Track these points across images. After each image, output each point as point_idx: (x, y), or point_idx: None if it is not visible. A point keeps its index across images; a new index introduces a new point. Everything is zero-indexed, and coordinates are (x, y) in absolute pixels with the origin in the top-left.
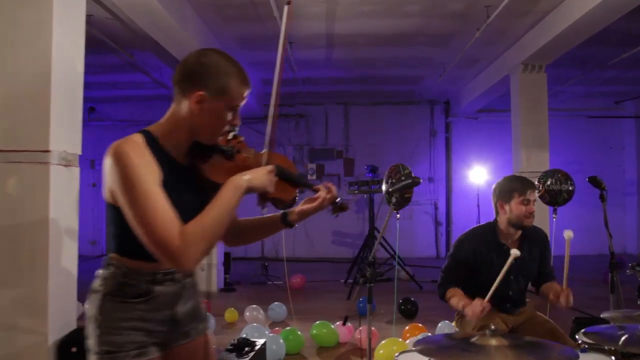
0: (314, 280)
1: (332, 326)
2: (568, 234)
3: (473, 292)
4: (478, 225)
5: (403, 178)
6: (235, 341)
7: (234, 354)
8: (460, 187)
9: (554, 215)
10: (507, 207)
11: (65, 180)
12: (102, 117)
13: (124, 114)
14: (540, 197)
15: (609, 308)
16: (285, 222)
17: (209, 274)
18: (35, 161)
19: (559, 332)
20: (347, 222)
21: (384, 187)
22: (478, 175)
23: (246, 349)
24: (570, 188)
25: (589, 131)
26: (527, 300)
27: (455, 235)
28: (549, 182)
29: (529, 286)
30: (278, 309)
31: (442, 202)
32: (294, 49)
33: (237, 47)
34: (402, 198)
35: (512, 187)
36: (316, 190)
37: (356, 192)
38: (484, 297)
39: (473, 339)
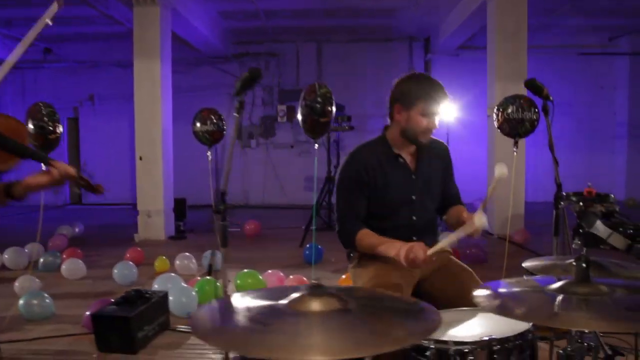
0: (271, 227)
1: (260, 276)
2: (500, 169)
3: (375, 225)
4: (367, 141)
5: (319, 99)
6: (127, 293)
7: (119, 307)
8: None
9: (514, 148)
10: (404, 115)
11: None
12: (61, 58)
13: (84, 55)
14: (499, 127)
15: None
16: (9, 193)
17: (156, 220)
18: None
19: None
20: (319, 167)
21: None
22: (447, 112)
23: (138, 302)
24: (534, 117)
25: (580, 69)
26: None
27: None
28: (509, 110)
29: None
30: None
31: None
32: None
33: None
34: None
35: (418, 93)
36: (49, 165)
37: None
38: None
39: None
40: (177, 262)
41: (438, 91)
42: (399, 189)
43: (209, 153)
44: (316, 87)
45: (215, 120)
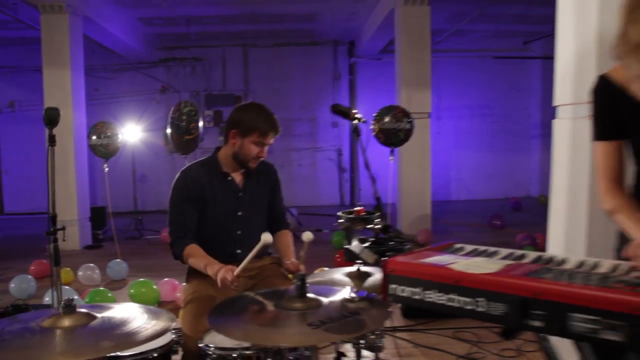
0: None
1: (154, 285)
2: (307, 236)
3: (203, 239)
4: (196, 161)
5: (184, 118)
6: (10, 307)
7: None
8: (365, 131)
9: (390, 157)
10: (239, 141)
11: None
12: None
13: (2, 60)
14: (375, 135)
15: None
16: None
17: (70, 230)
18: None
19: None
20: None
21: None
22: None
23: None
24: (408, 127)
25: (498, 73)
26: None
27: (362, 182)
28: (385, 120)
29: None
30: (117, 266)
31: (346, 148)
32: None
33: None
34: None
35: (256, 124)
36: None
37: None
38: (217, 247)
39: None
40: (80, 273)
41: (273, 125)
42: (226, 204)
43: (105, 165)
44: (181, 106)
45: (109, 134)
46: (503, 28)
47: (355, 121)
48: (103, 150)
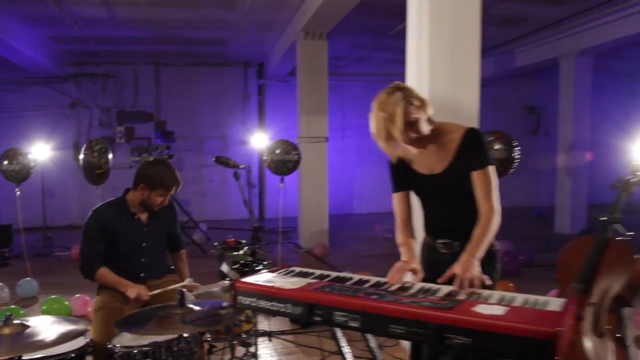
0: None
1: (66, 301)
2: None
3: (114, 264)
4: (110, 200)
5: (95, 154)
6: None
7: None
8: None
9: (281, 184)
10: (146, 193)
11: None
12: None
13: None
14: (267, 166)
15: None
16: None
17: None
18: None
19: None
20: None
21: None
22: (260, 140)
23: None
24: (295, 158)
25: None
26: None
27: (269, 197)
28: (277, 152)
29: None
30: (27, 284)
31: (255, 165)
32: (66, 4)
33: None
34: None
35: (161, 182)
36: None
37: (137, 158)
38: (125, 272)
39: None
40: None
41: (175, 181)
42: (133, 238)
43: (17, 189)
44: (92, 143)
45: (20, 160)
46: (401, 57)
47: (235, 168)
48: (15, 175)
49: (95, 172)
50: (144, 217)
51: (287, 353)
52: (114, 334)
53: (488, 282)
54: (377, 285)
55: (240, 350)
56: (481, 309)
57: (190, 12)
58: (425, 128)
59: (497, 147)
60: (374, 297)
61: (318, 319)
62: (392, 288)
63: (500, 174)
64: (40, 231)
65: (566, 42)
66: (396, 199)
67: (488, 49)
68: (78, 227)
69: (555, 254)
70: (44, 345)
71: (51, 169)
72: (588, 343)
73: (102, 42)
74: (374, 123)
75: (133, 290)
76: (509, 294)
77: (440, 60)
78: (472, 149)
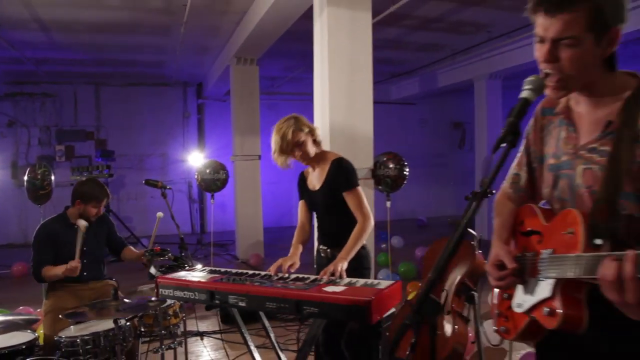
0: None
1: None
2: (159, 214)
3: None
4: (52, 216)
5: (39, 177)
6: None
7: None
8: None
9: (211, 200)
10: (82, 206)
11: None
12: None
13: None
14: (198, 184)
15: None
16: None
17: None
18: None
19: None
20: None
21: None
22: (195, 159)
23: None
24: (223, 177)
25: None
26: (107, 277)
27: (209, 212)
28: (207, 172)
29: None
30: None
31: (194, 181)
32: (3, 29)
33: None
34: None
35: (93, 195)
36: None
37: (78, 177)
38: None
39: None
40: None
41: (104, 194)
42: (72, 244)
43: None
44: (35, 167)
45: None
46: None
47: (162, 189)
48: None
49: (39, 193)
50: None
51: (216, 349)
52: (60, 329)
53: (344, 276)
54: (263, 277)
55: (167, 341)
56: (328, 289)
57: (128, 38)
58: (312, 150)
59: (390, 165)
60: (256, 283)
61: (217, 302)
62: (274, 278)
63: (393, 189)
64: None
65: (478, 66)
66: (299, 206)
67: (412, 70)
68: (18, 245)
69: None
70: None
71: None
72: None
73: (40, 63)
74: (272, 141)
75: (68, 266)
76: (356, 280)
77: (338, 93)
78: (338, 174)
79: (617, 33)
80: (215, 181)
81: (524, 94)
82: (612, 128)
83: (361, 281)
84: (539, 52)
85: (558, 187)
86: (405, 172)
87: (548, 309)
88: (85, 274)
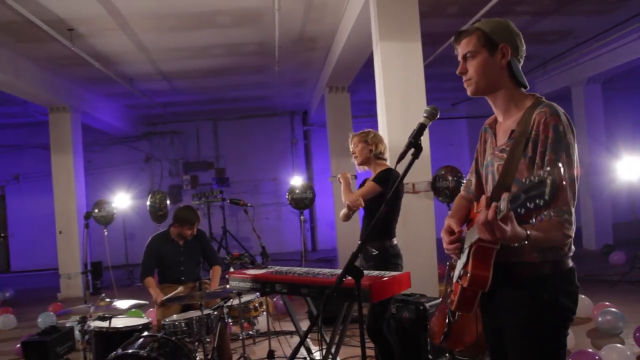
0: None
1: (143, 314)
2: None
3: (163, 271)
4: (158, 232)
5: (157, 202)
6: (45, 329)
7: (39, 336)
8: (320, 187)
9: (301, 216)
10: (179, 229)
11: None
12: None
13: (8, 140)
14: (289, 202)
15: None
16: None
17: (74, 281)
18: None
19: None
20: (216, 225)
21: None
22: (295, 181)
23: (53, 333)
24: (310, 196)
25: (433, 131)
26: (203, 280)
27: (320, 230)
28: (296, 192)
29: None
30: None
31: None
32: (136, 82)
33: (90, 85)
34: (157, 215)
35: (188, 219)
36: None
37: (198, 202)
38: (171, 277)
39: None
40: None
41: (196, 219)
42: (173, 255)
43: (105, 230)
44: (155, 194)
45: (106, 207)
46: (433, 96)
47: (244, 206)
48: (103, 220)
49: (158, 214)
50: (181, 242)
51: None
52: (166, 317)
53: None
54: (301, 272)
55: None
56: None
57: (233, 78)
58: (362, 156)
59: (448, 178)
60: (295, 275)
61: (267, 289)
62: (307, 273)
63: (452, 199)
64: (124, 267)
65: (573, 72)
66: None
67: None
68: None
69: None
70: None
71: (131, 215)
72: None
73: (167, 106)
74: None
75: (154, 294)
76: (370, 271)
77: (394, 116)
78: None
79: (506, 48)
80: (303, 200)
81: (422, 120)
82: (514, 135)
83: (375, 272)
84: (458, 68)
85: (488, 181)
86: (462, 183)
87: (464, 271)
88: (183, 278)
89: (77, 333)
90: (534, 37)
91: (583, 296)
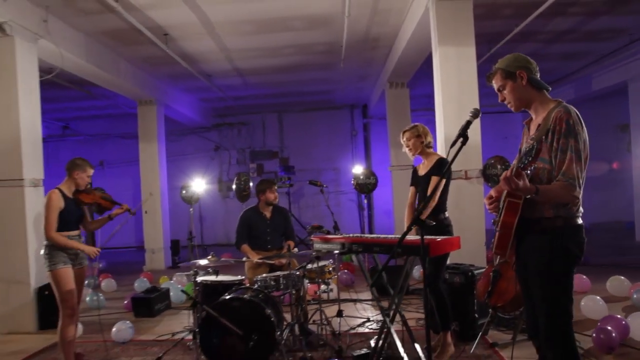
0: None
1: None
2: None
3: (253, 239)
4: (250, 207)
5: (242, 183)
6: (147, 289)
7: (145, 294)
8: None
9: (365, 199)
10: (264, 196)
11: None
12: (77, 132)
13: (95, 129)
14: (354, 187)
15: None
16: None
17: (158, 255)
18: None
19: None
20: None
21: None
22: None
23: (154, 292)
24: (373, 181)
25: (488, 125)
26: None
27: (377, 217)
28: (360, 177)
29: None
30: None
31: None
32: (214, 79)
33: (173, 81)
34: (241, 195)
35: (265, 186)
36: None
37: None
38: (259, 245)
39: None
40: (175, 278)
41: (272, 182)
42: (261, 225)
43: (191, 209)
44: (240, 175)
45: (190, 189)
46: (485, 91)
47: (321, 187)
48: (189, 200)
49: (242, 193)
50: (268, 214)
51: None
52: (257, 275)
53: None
54: (373, 237)
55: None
56: (410, 238)
57: (301, 74)
58: (415, 148)
59: (498, 166)
60: (367, 237)
61: (345, 250)
62: (373, 236)
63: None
64: (199, 247)
65: (630, 67)
66: (410, 191)
67: (564, 77)
68: (223, 245)
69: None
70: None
71: (203, 199)
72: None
73: (238, 99)
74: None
75: (252, 256)
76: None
77: (450, 111)
78: (434, 166)
79: (522, 72)
80: (367, 184)
81: (468, 117)
82: (539, 127)
83: (430, 237)
84: (499, 98)
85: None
86: None
87: (497, 218)
88: (269, 246)
89: (171, 294)
90: (588, 35)
91: (622, 277)
